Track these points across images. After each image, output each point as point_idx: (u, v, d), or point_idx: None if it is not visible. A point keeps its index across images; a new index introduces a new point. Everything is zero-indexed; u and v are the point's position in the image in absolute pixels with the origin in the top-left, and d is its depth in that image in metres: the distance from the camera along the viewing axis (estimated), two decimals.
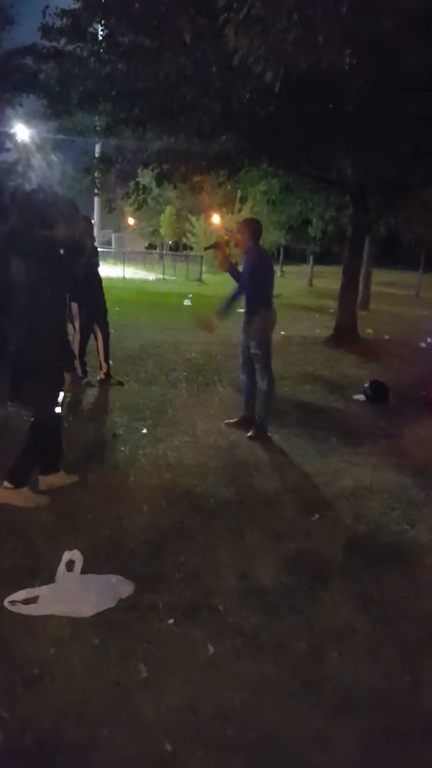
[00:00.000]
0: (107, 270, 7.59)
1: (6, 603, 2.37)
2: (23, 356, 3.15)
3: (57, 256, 3.22)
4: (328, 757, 1.82)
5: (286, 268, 32.97)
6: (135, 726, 1.87)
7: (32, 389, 3.15)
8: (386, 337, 11.49)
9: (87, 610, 2.36)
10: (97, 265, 6.06)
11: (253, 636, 2.32)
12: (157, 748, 1.80)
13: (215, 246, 4.91)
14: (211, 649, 2.23)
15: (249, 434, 4.65)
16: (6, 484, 3.18)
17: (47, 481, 3.47)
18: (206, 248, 4.98)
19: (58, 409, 3.29)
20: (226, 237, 5.63)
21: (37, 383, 3.12)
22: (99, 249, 6.42)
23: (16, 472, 3.22)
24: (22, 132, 9.66)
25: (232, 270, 4.80)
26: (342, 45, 4.70)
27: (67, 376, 3.28)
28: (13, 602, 2.37)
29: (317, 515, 3.40)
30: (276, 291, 4.83)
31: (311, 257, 26.88)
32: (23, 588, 2.46)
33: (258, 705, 1.99)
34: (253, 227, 4.68)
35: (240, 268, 4.81)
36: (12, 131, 8.52)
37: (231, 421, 4.95)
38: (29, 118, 9.72)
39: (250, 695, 2.03)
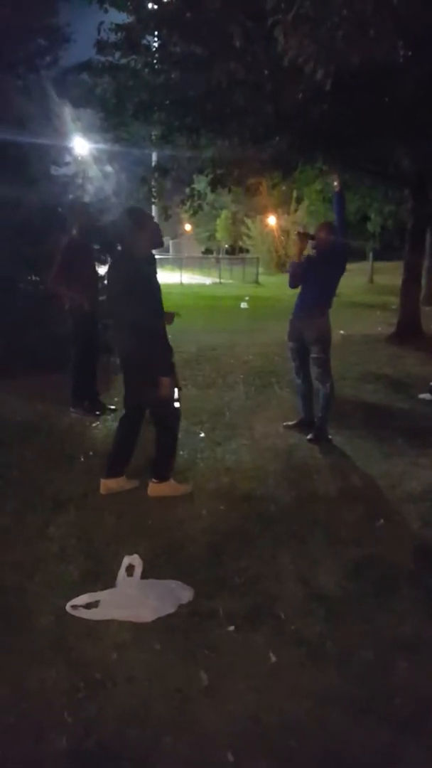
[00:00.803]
0: (165, 276, 7.70)
1: (68, 607, 2.41)
2: (135, 363, 3.41)
3: (148, 266, 3.40)
4: None
5: (346, 266, 32.28)
6: (197, 733, 1.85)
7: (148, 390, 3.35)
8: None
9: (147, 615, 2.36)
10: (155, 273, 6.12)
11: (317, 644, 2.24)
12: (219, 757, 1.77)
13: (303, 235, 4.85)
14: (274, 657, 2.17)
15: (309, 437, 4.55)
16: (153, 480, 3.52)
17: (107, 484, 3.55)
18: (297, 233, 4.94)
19: (177, 404, 3.49)
20: (311, 234, 5.57)
21: (151, 384, 3.31)
22: (158, 256, 6.50)
23: (159, 468, 3.54)
24: (80, 145, 9.96)
25: (300, 266, 4.71)
26: (394, 37, 4.56)
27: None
28: (75, 606, 2.41)
29: (382, 520, 3.27)
30: (337, 290, 4.75)
31: (371, 253, 26.22)
32: (85, 592, 2.49)
33: (323, 716, 1.92)
34: (333, 230, 4.63)
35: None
36: (71, 145, 8.78)
37: (290, 423, 4.87)
38: (87, 132, 10.02)
39: (315, 706, 1.96)
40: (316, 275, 4.56)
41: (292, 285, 4.79)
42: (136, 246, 3.35)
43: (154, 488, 3.51)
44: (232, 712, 1.93)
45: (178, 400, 3.51)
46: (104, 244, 7.22)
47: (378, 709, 1.95)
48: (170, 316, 3.66)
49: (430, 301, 15.98)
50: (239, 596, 2.53)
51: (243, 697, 1.99)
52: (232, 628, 2.32)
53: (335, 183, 4.55)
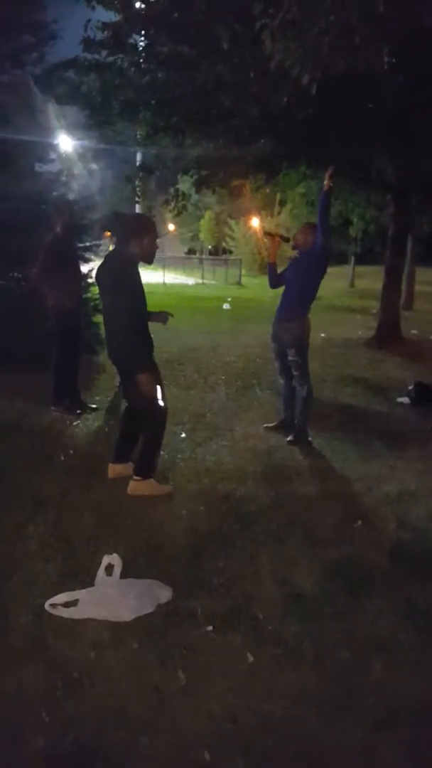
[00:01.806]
0: (147, 276, 7.67)
1: (47, 606, 2.40)
2: (118, 359, 3.51)
3: (133, 267, 3.44)
4: None
5: (327, 269, 32.55)
6: (174, 733, 1.85)
7: (128, 387, 3.50)
8: (431, 337, 11.17)
9: (126, 615, 2.36)
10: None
11: (294, 644, 2.27)
12: (196, 756, 1.78)
13: (273, 236, 4.88)
14: (251, 658, 2.19)
15: (288, 438, 4.59)
16: (135, 478, 3.53)
17: (116, 469, 3.68)
18: (265, 233, 4.98)
19: (161, 402, 3.50)
20: (283, 234, 5.58)
21: (133, 381, 3.39)
22: None
23: (141, 465, 3.55)
24: (65, 143, 9.90)
25: (274, 267, 4.79)
26: (380, 44, 4.63)
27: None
28: (53, 605, 2.40)
29: (360, 521, 3.32)
30: (319, 293, 4.78)
31: (352, 258, 26.48)
32: (64, 591, 2.49)
33: (299, 715, 1.94)
34: (317, 232, 4.57)
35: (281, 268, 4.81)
36: (56, 142, 8.72)
37: (270, 425, 4.90)
38: (72, 129, 9.96)
39: (292, 705, 1.98)
40: (295, 277, 4.59)
41: (272, 286, 4.84)
42: (130, 250, 3.41)
43: (135, 485, 3.52)
44: (210, 712, 1.94)
45: (162, 399, 3.53)
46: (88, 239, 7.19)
47: (353, 708, 1.98)
48: (164, 317, 3.69)
49: (409, 305, 16.23)
50: (218, 596, 2.54)
51: (220, 696, 2.01)
52: (210, 628, 2.33)
53: (326, 182, 4.49)
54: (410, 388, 6.13)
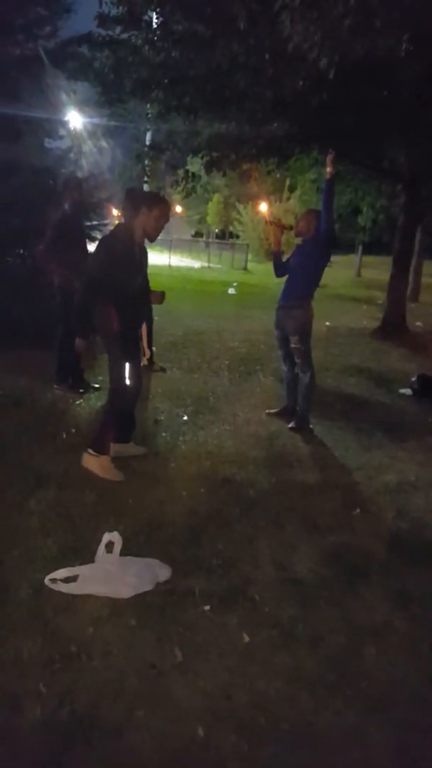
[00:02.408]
0: (153, 257, 7.64)
1: (47, 581, 2.43)
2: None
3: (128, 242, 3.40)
4: (362, 753, 1.79)
5: (333, 258, 32.36)
6: (169, 709, 1.89)
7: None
8: None
9: (125, 592, 2.39)
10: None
11: (289, 627, 2.30)
12: (190, 731, 1.81)
13: (277, 224, 4.87)
14: (247, 638, 2.22)
15: (290, 425, 4.60)
16: (90, 451, 3.46)
17: (116, 448, 3.63)
18: (269, 222, 4.99)
19: (127, 381, 3.43)
20: (288, 223, 5.59)
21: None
22: None
23: (96, 440, 3.48)
24: (75, 119, 9.79)
25: (279, 255, 4.78)
26: (400, 30, 4.55)
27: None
28: (53, 580, 2.43)
29: (358, 509, 3.34)
30: (322, 281, 4.76)
31: (360, 247, 26.29)
32: (64, 567, 2.52)
33: (292, 696, 1.98)
34: (320, 219, 4.51)
35: (286, 256, 4.78)
36: (66, 119, 8.63)
37: (272, 411, 4.92)
38: (83, 106, 9.84)
39: (285, 686, 2.02)
40: (298, 264, 4.57)
41: (277, 274, 4.84)
42: (131, 225, 3.37)
43: (87, 458, 3.46)
44: (204, 689, 1.98)
45: (131, 377, 3.46)
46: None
47: (346, 691, 2.01)
48: (159, 296, 3.69)
49: (415, 297, 16.16)
50: (216, 577, 2.57)
51: (215, 674, 2.04)
52: (207, 607, 2.36)
53: (328, 168, 4.44)
54: (413, 379, 6.13)
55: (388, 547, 2.97)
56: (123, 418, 3.66)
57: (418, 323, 11.31)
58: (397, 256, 10.01)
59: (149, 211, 3.31)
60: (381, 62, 5.14)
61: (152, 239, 3.43)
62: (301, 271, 4.55)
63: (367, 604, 2.48)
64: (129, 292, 3.40)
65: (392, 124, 7.68)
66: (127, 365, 3.41)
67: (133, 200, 3.42)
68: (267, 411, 4.95)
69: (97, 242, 3.44)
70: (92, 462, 3.44)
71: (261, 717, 1.88)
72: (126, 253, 3.37)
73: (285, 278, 4.70)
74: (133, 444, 3.77)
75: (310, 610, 2.41)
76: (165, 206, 3.41)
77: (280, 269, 4.78)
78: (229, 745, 1.78)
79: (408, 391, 6.06)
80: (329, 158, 4.42)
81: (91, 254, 3.37)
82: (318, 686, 2.02)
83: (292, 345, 4.55)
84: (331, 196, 4.48)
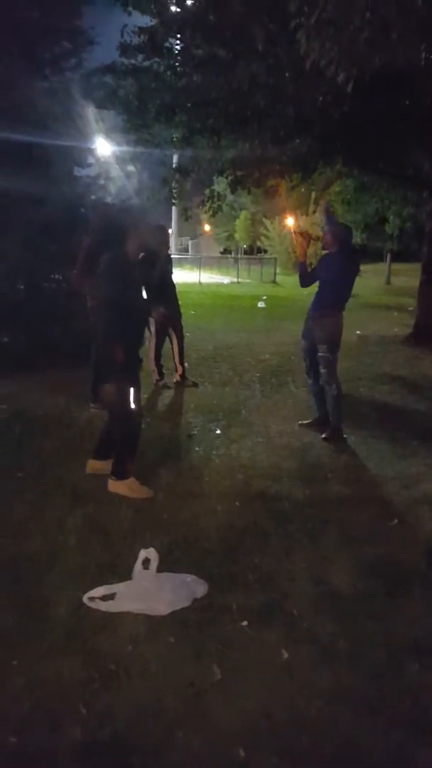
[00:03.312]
0: (184, 275, 7.70)
1: (85, 599, 2.45)
2: (99, 360, 3.54)
3: (128, 268, 3.50)
4: None
5: (362, 267, 32.11)
6: (208, 729, 1.86)
7: (106, 390, 3.51)
8: None
9: (162, 609, 2.39)
10: (171, 272, 6.20)
11: (328, 643, 2.25)
12: (230, 752, 1.78)
13: (303, 235, 4.91)
14: (286, 654, 2.19)
15: (323, 436, 4.56)
16: (113, 478, 3.50)
17: (95, 465, 3.69)
18: (296, 232, 5.03)
19: (132, 405, 3.46)
20: (313, 234, 5.65)
21: (109, 384, 3.44)
22: (177, 256, 6.62)
23: (116, 466, 3.52)
24: (102, 147, 10.05)
25: (304, 266, 4.80)
26: (418, 40, 4.54)
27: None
28: (92, 598, 2.45)
29: (396, 520, 3.27)
30: (354, 291, 4.75)
31: (388, 255, 26.03)
32: (101, 585, 2.53)
33: (334, 715, 1.93)
34: (345, 233, 4.66)
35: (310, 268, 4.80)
36: (93, 147, 8.87)
37: (305, 422, 4.88)
38: (109, 133, 10.10)
39: (326, 704, 1.97)
40: (327, 275, 4.58)
41: (302, 284, 4.86)
42: (122, 249, 3.50)
43: (112, 484, 3.51)
44: (244, 708, 1.95)
45: (135, 401, 3.47)
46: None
47: (389, 709, 1.95)
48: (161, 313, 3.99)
49: None
50: (253, 592, 2.55)
51: (255, 692, 2.01)
52: (245, 623, 2.34)
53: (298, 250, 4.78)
54: None
55: (427, 558, 2.89)
56: (134, 438, 3.63)
57: None
58: (426, 262, 9.85)
59: (132, 234, 3.50)
60: (401, 72, 5.12)
61: (136, 255, 3.64)
62: (329, 282, 4.56)
63: (407, 618, 2.41)
64: (136, 312, 3.50)
65: (414, 132, 7.64)
66: (132, 390, 3.45)
67: (120, 225, 3.68)
68: (300, 422, 4.91)
69: (105, 282, 3.49)
70: (118, 486, 3.49)
71: (303, 737, 1.84)
72: (133, 274, 3.51)
73: (315, 289, 4.70)
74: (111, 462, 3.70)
75: (350, 625, 2.36)
76: (141, 227, 3.64)
77: (305, 279, 4.81)
78: (272, 766, 1.74)
79: None
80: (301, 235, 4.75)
81: (106, 278, 3.41)
82: (360, 704, 1.97)
83: (320, 354, 4.52)
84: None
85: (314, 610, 2.45)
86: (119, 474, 3.49)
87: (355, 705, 1.97)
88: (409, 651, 2.22)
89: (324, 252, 4.75)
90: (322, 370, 4.54)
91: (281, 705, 1.96)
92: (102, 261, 3.50)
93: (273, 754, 1.78)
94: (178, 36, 7.56)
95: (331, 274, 4.54)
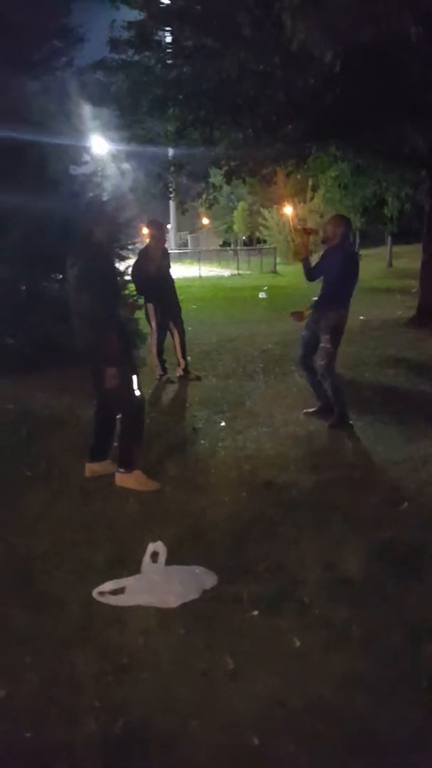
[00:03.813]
0: (183, 270, 7.68)
1: (95, 594, 2.45)
2: (87, 352, 3.47)
3: (100, 257, 3.44)
4: (426, 757, 1.72)
5: (363, 251, 31.89)
6: (223, 718, 1.86)
7: (98, 379, 3.42)
8: None
9: (172, 601, 2.39)
10: (169, 267, 6.18)
11: (341, 628, 2.24)
12: (245, 740, 1.77)
13: (303, 229, 4.89)
14: (298, 642, 2.17)
15: (329, 423, 4.53)
16: (120, 470, 3.48)
17: (93, 468, 3.64)
18: (296, 228, 5.03)
19: (137, 392, 3.44)
20: (314, 228, 5.66)
21: (100, 373, 3.36)
22: (176, 251, 6.63)
23: (122, 458, 3.49)
24: (97, 144, 10.00)
25: (307, 261, 4.77)
26: (405, 12, 4.47)
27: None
28: (101, 593, 2.45)
29: (406, 503, 3.24)
30: None
31: (389, 238, 25.80)
32: (111, 579, 2.53)
33: (350, 699, 1.91)
34: (346, 225, 4.63)
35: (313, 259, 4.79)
36: (88, 145, 8.83)
37: (310, 410, 4.85)
38: (104, 130, 10.05)
39: (341, 689, 1.96)
40: (329, 269, 4.55)
41: (308, 278, 4.85)
42: (92, 238, 3.42)
43: (120, 478, 3.47)
44: (258, 696, 1.94)
45: (138, 388, 3.46)
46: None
47: (404, 692, 1.94)
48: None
49: None
50: (263, 581, 2.53)
51: (268, 680, 2.00)
52: (256, 612, 2.33)
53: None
54: None
55: None
56: (103, 434, 3.62)
57: None
58: (426, 243, 9.78)
59: (98, 227, 3.45)
60: (390, 48, 5.05)
61: (104, 241, 3.57)
62: (332, 276, 4.52)
63: (420, 600, 2.39)
64: (114, 304, 3.46)
65: (407, 109, 7.53)
66: (134, 377, 3.44)
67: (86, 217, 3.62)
68: (305, 410, 4.88)
69: (78, 269, 3.40)
70: (125, 479, 3.46)
71: (318, 723, 1.83)
72: (106, 266, 3.52)
73: (320, 279, 4.68)
74: (110, 461, 3.67)
75: (362, 609, 2.34)
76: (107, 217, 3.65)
77: (309, 273, 4.78)
78: (288, 754, 1.73)
79: None
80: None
81: (93, 283, 3.34)
82: (375, 688, 1.96)
83: (321, 344, 4.49)
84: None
85: (325, 596, 2.43)
86: (127, 464, 3.46)
87: (370, 689, 1.95)
88: (423, 633, 2.20)
89: (324, 246, 4.72)
90: (320, 362, 4.48)
91: (295, 692, 1.95)
92: (71, 263, 3.42)
93: (288, 740, 1.77)
94: (167, 28, 7.51)
95: (335, 269, 4.50)
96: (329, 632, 2.22)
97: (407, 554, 2.72)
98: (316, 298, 4.59)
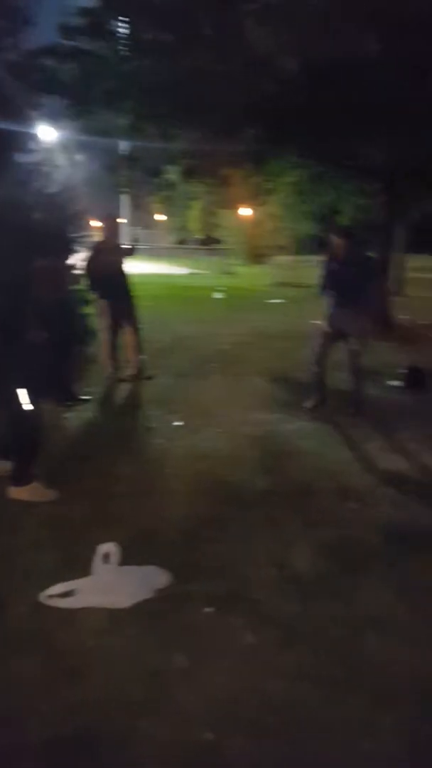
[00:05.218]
0: (137, 266, 7.61)
1: (44, 597, 2.39)
2: None
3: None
4: (374, 746, 1.77)
5: (316, 258, 32.49)
6: (175, 716, 1.86)
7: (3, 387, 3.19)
8: (422, 322, 11.20)
9: (124, 601, 2.36)
10: (121, 263, 6.10)
11: (292, 624, 2.28)
12: (198, 737, 1.78)
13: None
14: (250, 638, 2.20)
15: (351, 410, 4.95)
16: (13, 485, 3.25)
17: (17, 492, 3.27)
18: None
19: (28, 406, 3.18)
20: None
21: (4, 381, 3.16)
22: (128, 246, 6.50)
23: (15, 473, 3.27)
24: (45, 133, 9.71)
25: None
26: (364, 30, 4.60)
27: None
28: (50, 596, 2.39)
29: (354, 502, 3.33)
30: (309, 281, 4.84)
31: None
32: (61, 582, 2.48)
33: (299, 693, 1.95)
34: (348, 236, 4.98)
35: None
36: (35, 132, 8.57)
37: (309, 404, 5.05)
38: (52, 119, 9.80)
39: (291, 684, 1.99)
40: (353, 280, 4.83)
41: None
42: None
43: (14, 492, 3.25)
44: (210, 693, 1.95)
45: (28, 403, 3.19)
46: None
47: (351, 684, 1.99)
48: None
49: (400, 291, 16.25)
50: (216, 580, 2.55)
51: (220, 677, 2.02)
52: (208, 610, 2.34)
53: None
54: (402, 371, 6.17)
55: (385, 537, 2.95)
56: (33, 441, 3.34)
57: (404, 316, 11.36)
58: (379, 253, 10.05)
59: None
60: (351, 63, 5.18)
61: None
62: (357, 286, 4.85)
63: (367, 596, 2.46)
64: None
65: (367, 123, 7.72)
66: (24, 391, 3.18)
67: None
68: (304, 404, 5.06)
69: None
70: (20, 493, 3.24)
71: (269, 718, 1.86)
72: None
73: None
74: (37, 484, 3.32)
75: (312, 605, 2.39)
76: None
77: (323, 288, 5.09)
78: (238, 748, 1.75)
79: (397, 383, 6.08)
80: None
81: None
82: (324, 682, 2.00)
83: (352, 347, 4.89)
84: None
85: (277, 593, 2.47)
86: (19, 479, 3.24)
87: (319, 683, 2.00)
88: (370, 627, 2.27)
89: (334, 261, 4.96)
90: (353, 360, 4.93)
91: (247, 688, 1.97)
92: None
93: (240, 736, 1.79)
94: (122, 18, 7.37)
95: (355, 279, 4.83)
96: (280, 628, 2.26)
97: (355, 552, 2.80)
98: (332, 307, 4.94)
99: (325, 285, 5.02)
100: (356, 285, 4.83)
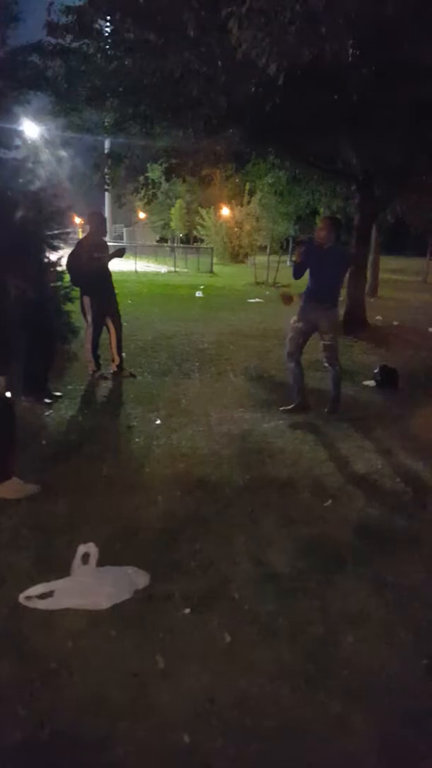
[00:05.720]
0: (119, 264, 7.54)
1: (21, 599, 2.38)
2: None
3: None
4: (348, 742, 1.80)
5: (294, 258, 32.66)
6: (153, 717, 1.87)
7: None
8: (395, 323, 11.39)
9: (103, 603, 2.36)
10: (107, 260, 6.06)
11: (269, 622, 2.31)
12: (175, 738, 1.80)
13: (286, 299, 5.23)
14: (228, 637, 2.22)
15: (326, 410, 4.99)
16: None
17: None
18: (281, 295, 5.28)
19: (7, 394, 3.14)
20: (293, 297, 5.94)
21: None
22: (112, 243, 6.48)
23: None
24: (30, 129, 9.62)
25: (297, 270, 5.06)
26: (345, 35, 4.64)
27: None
28: (28, 597, 2.38)
29: (330, 500, 3.38)
30: (286, 281, 4.88)
31: None
32: (39, 583, 2.47)
33: (275, 692, 1.98)
34: (337, 226, 4.96)
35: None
36: (20, 129, 8.48)
37: (287, 408, 5.04)
38: (37, 115, 9.70)
39: (268, 682, 2.02)
40: (329, 270, 4.83)
41: (296, 276, 5.10)
42: None
43: None
44: (188, 693, 1.96)
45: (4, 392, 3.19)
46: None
47: (327, 682, 2.03)
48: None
49: (374, 293, 16.49)
50: (194, 579, 2.57)
51: (198, 677, 2.03)
52: (187, 610, 2.35)
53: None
54: (376, 371, 6.29)
55: (360, 535, 3.01)
56: (7, 436, 3.30)
57: (378, 317, 11.54)
58: (354, 254, 10.15)
59: None
60: (330, 67, 5.22)
61: None
62: (332, 276, 4.86)
63: (343, 593, 2.51)
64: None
65: (342, 126, 7.82)
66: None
67: None
68: (282, 408, 5.06)
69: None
70: (1, 491, 3.19)
71: (245, 717, 1.88)
72: None
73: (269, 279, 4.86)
74: (17, 480, 3.30)
75: (289, 603, 2.42)
76: None
77: (299, 271, 5.01)
78: (216, 748, 1.77)
79: (371, 383, 6.20)
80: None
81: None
82: (300, 680, 2.03)
83: (326, 342, 4.90)
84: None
85: (255, 591, 2.49)
86: None
87: (295, 680, 2.03)
88: (345, 624, 2.31)
89: (319, 245, 4.88)
90: (326, 354, 4.94)
91: (224, 687, 1.99)
92: None
93: (217, 735, 1.81)
94: (108, 18, 7.34)
95: (332, 269, 4.84)
96: (257, 627, 2.28)
97: (331, 550, 2.84)
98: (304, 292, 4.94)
99: (301, 270, 4.97)
100: (332, 276, 4.86)
